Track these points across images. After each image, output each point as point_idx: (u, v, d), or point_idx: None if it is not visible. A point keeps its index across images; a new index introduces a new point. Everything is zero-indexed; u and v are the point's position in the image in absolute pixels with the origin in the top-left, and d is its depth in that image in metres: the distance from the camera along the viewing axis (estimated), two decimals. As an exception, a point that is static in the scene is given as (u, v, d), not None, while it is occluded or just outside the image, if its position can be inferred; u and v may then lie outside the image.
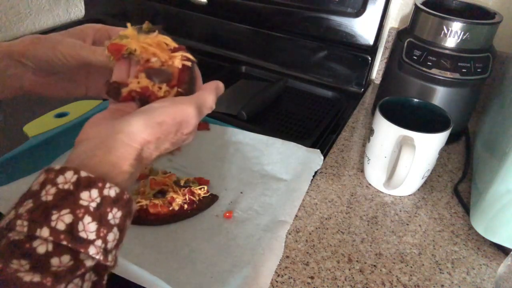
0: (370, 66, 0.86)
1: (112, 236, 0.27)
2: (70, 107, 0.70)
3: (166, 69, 0.36)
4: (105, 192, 0.27)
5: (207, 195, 0.54)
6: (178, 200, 0.52)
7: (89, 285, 0.26)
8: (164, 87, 0.36)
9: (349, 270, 0.48)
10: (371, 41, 0.83)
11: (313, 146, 0.67)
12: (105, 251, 0.27)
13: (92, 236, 0.26)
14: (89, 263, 0.26)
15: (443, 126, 0.55)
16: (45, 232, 0.24)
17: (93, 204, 0.26)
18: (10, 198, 0.52)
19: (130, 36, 0.37)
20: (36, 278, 0.23)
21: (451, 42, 0.64)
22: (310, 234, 0.52)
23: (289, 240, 0.51)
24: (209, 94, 0.36)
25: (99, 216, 0.26)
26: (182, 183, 0.55)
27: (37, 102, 0.75)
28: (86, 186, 0.26)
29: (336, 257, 0.49)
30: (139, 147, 0.30)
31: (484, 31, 0.63)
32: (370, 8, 0.80)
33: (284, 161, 0.63)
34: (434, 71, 0.65)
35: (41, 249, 0.24)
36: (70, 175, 0.26)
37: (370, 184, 0.62)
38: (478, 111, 0.80)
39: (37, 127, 0.64)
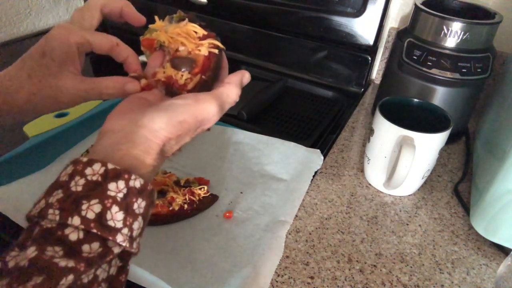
0: (370, 66, 0.86)
1: (137, 225, 0.29)
2: (70, 107, 0.70)
3: (190, 57, 0.37)
4: (131, 183, 0.28)
5: (207, 195, 0.54)
6: (178, 200, 0.52)
7: (114, 270, 0.28)
8: (186, 74, 0.36)
9: (349, 270, 0.48)
10: (371, 41, 0.83)
11: (313, 146, 0.67)
12: (131, 239, 0.28)
13: (119, 225, 0.27)
14: (116, 250, 0.27)
15: (443, 126, 0.55)
16: (76, 220, 0.26)
17: (120, 195, 0.27)
18: (10, 198, 0.52)
19: (158, 28, 0.38)
20: (71, 263, 0.24)
21: (451, 42, 0.64)
22: (310, 234, 0.52)
23: (289, 240, 0.51)
24: (233, 88, 0.36)
25: (126, 206, 0.28)
26: (182, 183, 0.55)
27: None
28: (113, 177, 0.27)
29: (336, 257, 0.49)
30: (161, 143, 0.31)
31: (484, 31, 0.63)
32: (370, 8, 0.80)
33: (284, 161, 0.63)
34: (434, 71, 0.65)
35: (73, 236, 0.26)
36: (98, 167, 0.28)
37: (370, 184, 0.62)
38: (478, 111, 0.80)
39: (37, 127, 0.64)
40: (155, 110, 0.32)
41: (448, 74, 0.65)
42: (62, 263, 0.24)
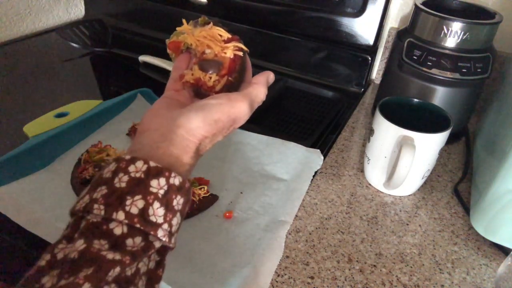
0: (370, 66, 0.86)
1: (175, 221, 0.30)
2: (70, 107, 0.70)
3: (217, 60, 0.38)
4: (171, 180, 0.29)
5: (207, 195, 0.54)
6: (178, 200, 0.52)
7: (153, 265, 0.29)
8: (214, 76, 0.37)
9: (349, 270, 0.48)
10: (371, 41, 0.83)
11: (313, 146, 0.67)
12: (170, 234, 0.29)
13: (160, 220, 0.28)
14: (157, 244, 0.29)
15: (443, 126, 0.55)
16: (120, 215, 0.27)
17: (161, 191, 0.29)
18: (10, 198, 0.52)
19: (186, 31, 0.39)
20: (117, 256, 0.26)
21: (451, 42, 0.64)
22: (310, 234, 0.52)
23: (289, 240, 0.51)
24: (261, 87, 0.38)
25: (166, 202, 0.29)
26: (182, 183, 0.55)
27: (37, 102, 0.75)
28: (155, 175, 0.29)
29: (336, 257, 0.49)
30: (198, 142, 0.32)
31: (484, 31, 0.63)
32: (370, 8, 0.80)
33: (284, 161, 0.63)
34: (434, 71, 0.65)
35: (118, 230, 0.27)
36: (140, 165, 0.29)
37: (370, 184, 0.62)
38: (478, 111, 0.80)
39: (37, 127, 0.64)
40: (191, 109, 0.33)
41: (448, 74, 0.65)
42: (110, 255, 0.26)
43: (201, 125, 0.32)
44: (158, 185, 0.29)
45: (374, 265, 0.49)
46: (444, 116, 0.57)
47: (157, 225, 0.28)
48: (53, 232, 0.47)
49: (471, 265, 0.50)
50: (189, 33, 0.39)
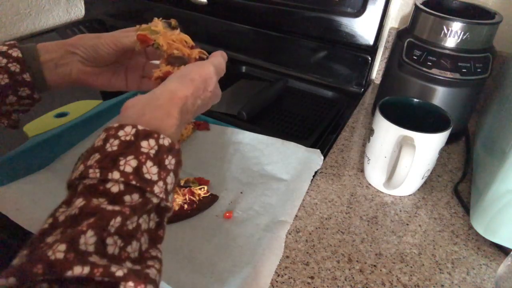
0: (370, 66, 0.86)
1: (170, 179, 0.31)
2: (70, 107, 0.70)
3: (183, 56, 0.43)
4: (160, 141, 0.31)
5: (207, 195, 0.54)
6: (178, 200, 0.52)
7: (153, 225, 0.31)
8: (182, 67, 0.41)
9: (349, 270, 0.48)
10: (371, 41, 0.83)
11: (313, 146, 0.67)
12: (166, 191, 0.31)
13: (155, 178, 0.30)
14: (155, 200, 0.30)
15: (443, 126, 0.55)
16: (116, 174, 0.28)
17: (152, 151, 0.30)
18: (10, 198, 0.52)
19: (160, 32, 0.43)
20: (117, 207, 0.27)
21: (451, 42, 0.64)
22: (310, 234, 0.52)
23: (289, 240, 0.51)
24: (218, 57, 0.43)
25: (158, 161, 0.31)
26: (182, 183, 0.55)
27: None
28: (144, 136, 0.30)
29: (336, 257, 0.49)
30: (180, 102, 0.35)
31: (484, 31, 0.63)
32: (370, 8, 0.80)
33: (284, 161, 0.63)
34: (434, 71, 0.65)
35: (114, 188, 0.28)
36: (129, 129, 0.31)
37: (370, 184, 0.62)
38: (478, 111, 0.80)
39: (37, 127, 0.64)
40: (167, 79, 0.37)
41: (448, 74, 0.65)
42: (109, 207, 0.27)
43: (180, 86, 0.36)
44: (148, 146, 0.30)
45: (374, 265, 0.49)
46: (444, 116, 0.57)
47: (152, 182, 0.30)
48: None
49: (471, 265, 0.50)
50: (163, 35, 0.43)
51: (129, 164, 0.29)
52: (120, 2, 1.10)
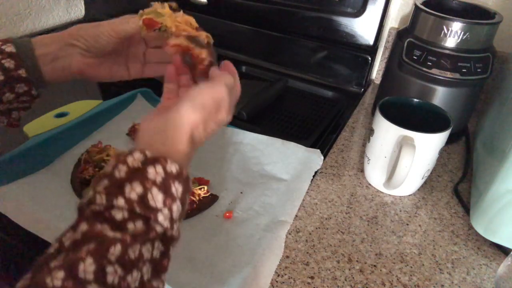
0: (370, 66, 0.86)
1: (176, 207, 0.31)
2: (70, 107, 0.70)
3: (200, 38, 0.42)
4: (168, 168, 0.31)
5: (207, 195, 0.54)
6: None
7: (158, 254, 0.30)
8: (205, 52, 0.41)
9: (349, 270, 0.48)
10: (371, 41, 0.83)
11: (313, 146, 0.67)
12: (171, 220, 0.31)
13: (160, 205, 0.30)
14: (159, 228, 0.30)
15: (443, 126, 0.55)
16: (120, 201, 0.29)
17: (159, 178, 0.30)
18: (10, 198, 0.52)
19: (166, 14, 0.42)
20: (118, 235, 0.27)
21: (451, 42, 0.64)
22: (310, 234, 0.52)
23: (289, 240, 0.51)
24: (227, 75, 0.40)
25: (165, 188, 0.30)
26: (182, 183, 0.55)
27: (37, 102, 0.75)
28: (151, 162, 0.31)
29: (336, 257, 0.49)
30: (190, 128, 0.34)
31: (484, 31, 0.63)
32: (370, 8, 0.80)
33: (284, 161, 0.63)
34: (434, 71, 0.65)
35: (119, 215, 0.29)
36: (137, 155, 0.31)
37: (370, 184, 0.62)
38: (478, 111, 0.80)
39: (37, 127, 0.64)
40: (178, 103, 0.35)
41: (448, 74, 0.65)
42: (110, 233, 0.27)
43: (190, 111, 0.34)
44: (155, 172, 0.30)
45: (374, 265, 0.49)
46: (444, 116, 0.57)
47: (156, 210, 0.30)
48: (53, 232, 0.47)
49: (471, 265, 0.50)
50: (170, 16, 0.42)
51: (134, 190, 0.29)
52: (120, 2, 1.10)
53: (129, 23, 0.44)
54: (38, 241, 0.47)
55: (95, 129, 0.67)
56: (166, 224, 0.30)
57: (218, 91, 0.37)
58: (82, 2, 1.16)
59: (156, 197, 0.30)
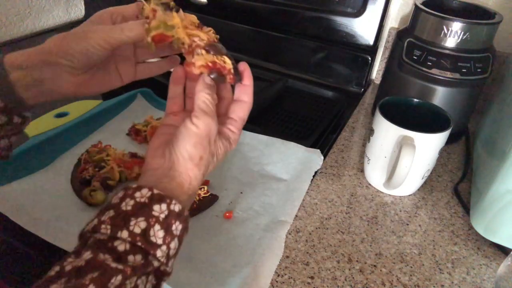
0: (370, 66, 0.86)
1: (173, 245, 0.33)
2: (70, 107, 0.70)
3: (216, 43, 0.38)
4: (172, 207, 0.33)
5: (207, 195, 0.54)
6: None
7: (150, 287, 0.31)
8: (227, 59, 0.38)
9: (349, 270, 0.48)
10: (371, 41, 0.83)
11: (313, 146, 0.67)
12: (168, 256, 0.32)
13: (160, 241, 0.31)
14: (155, 263, 0.31)
15: (443, 126, 0.55)
16: (125, 234, 0.30)
17: (162, 215, 0.32)
18: (10, 198, 0.52)
19: (176, 25, 0.37)
20: (120, 266, 0.28)
21: (451, 42, 0.64)
22: (310, 234, 0.52)
23: (289, 240, 0.51)
24: (249, 88, 0.43)
25: (166, 225, 0.32)
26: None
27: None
28: (157, 200, 0.32)
29: (336, 257, 0.49)
30: (188, 177, 0.36)
31: (484, 31, 0.63)
32: (370, 8, 0.80)
33: (284, 161, 0.63)
34: (434, 71, 0.65)
35: (121, 247, 0.30)
36: (145, 191, 0.32)
37: (370, 184, 0.62)
38: (478, 111, 0.80)
39: (37, 127, 0.64)
40: (179, 154, 0.36)
41: (448, 74, 0.65)
42: (113, 264, 0.28)
43: (187, 159, 0.36)
44: (160, 210, 0.32)
45: (374, 265, 0.49)
46: (444, 116, 0.57)
47: (156, 246, 0.31)
48: (53, 232, 0.47)
49: (471, 265, 0.50)
50: (181, 26, 0.37)
51: (138, 225, 0.30)
52: (120, 2, 1.10)
53: (125, 32, 0.37)
54: (38, 241, 0.46)
55: (95, 129, 0.67)
56: (163, 260, 0.31)
57: (206, 127, 0.36)
58: (82, 2, 1.16)
59: (158, 234, 0.31)
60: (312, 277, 0.46)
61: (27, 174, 0.56)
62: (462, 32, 0.63)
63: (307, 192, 0.58)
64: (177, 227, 0.33)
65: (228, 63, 0.39)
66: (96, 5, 1.15)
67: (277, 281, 0.45)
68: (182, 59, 0.41)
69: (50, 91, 0.39)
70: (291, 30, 0.91)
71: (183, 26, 0.37)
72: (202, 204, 0.54)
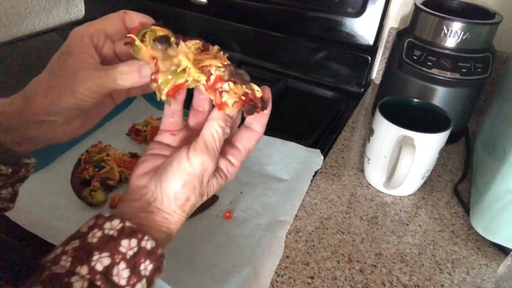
0: (370, 66, 0.86)
1: (140, 286, 0.29)
2: (70, 107, 0.70)
3: (240, 70, 0.33)
4: (143, 243, 0.29)
5: (208, 195, 0.54)
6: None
7: None
8: (255, 86, 0.34)
9: (349, 270, 0.48)
10: (371, 41, 0.83)
11: (313, 146, 0.67)
12: None
13: (123, 282, 0.28)
14: None
15: (443, 126, 0.55)
16: (84, 270, 0.27)
17: (130, 252, 0.28)
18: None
19: (187, 66, 0.31)
20: None
21: (451, 42, 0.64)
22: (310, 234, 0.52)
23: (289, 240, 0.51)
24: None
25: (133, 264, 0.28)
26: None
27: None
28: (128, 234, 0.29)
29: (336, 257, 0.49)
30: (169, 217, 0.33)
31: (484, 31, 0.63)
32: (370, 8, 0.80)
33: (284, 161, 0.63)
34: (434, 71, 0.65)
35: (77, 285, 0.26)
36: (116, 223, 0.29)
37: (370, 184, 0.62)
38: (478, 111, 0.80)
39: (37, 127, 0.64)
40: (164, 192, 0.32)
41: (448, 74, 0.65)
42: None
43: (172, 200, 0.32)
44: (128, 246, 0.28)
45: (374, 265, 0.49)
46: (444, 116, 0.57)
47: (118, 287, 0.28)
48: (52, 232, 0.47)
49: (471, 265, 0.50)
50: (192, 65, 0.31)
51: (101, 261, 0.27)
52: (120, 2, 1.10)
53: (118, 82, 0.32)
54: (38, 241, 0.47)
55: (95, 129, 0.67)
56: None
57: (194, 166, 0.32)
58: (82, 2, 1.16)
59: (122, 273, 0.28)
60: (312, 277, 0.46)
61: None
62: (462, 32, 0.63)
63: (307, 192, 0.58)
64: (146, 266, 0.29)
65: (258, 90, 0.34)
66: (96, 5, 1.15)
67: (277, 281, 0.45)
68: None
69: (46, 141, 0.37)
70: (291, 30, 0.91)
71: (192, 62, 0.31)
72: (202, 204, 0.53)
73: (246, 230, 0.51)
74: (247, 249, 0.49)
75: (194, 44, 0.32)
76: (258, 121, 0.37)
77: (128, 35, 0.33)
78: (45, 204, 0.52)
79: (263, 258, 0.47)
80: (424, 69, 0.66)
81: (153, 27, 0.33)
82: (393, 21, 0.89)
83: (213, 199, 0.55)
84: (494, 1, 0.77)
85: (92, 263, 0.27)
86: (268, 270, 0.46)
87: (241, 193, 0.57)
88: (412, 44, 0.67)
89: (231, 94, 0.32)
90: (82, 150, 0.61)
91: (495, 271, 0.49)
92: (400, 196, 0.60)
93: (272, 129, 0.73)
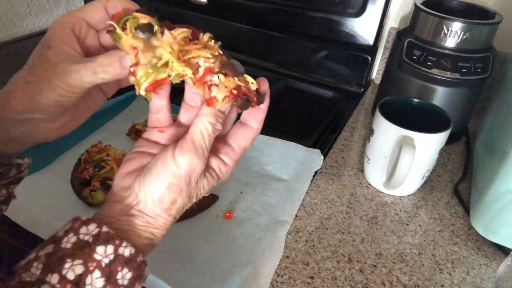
0: (370, 66, 0.86)
1: None
2: (70, 107, 0.70)
3: (233, 60, 0.30)
4: (120, 250, 0.27)
5: (207, 195, 0.54)
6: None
7: None
8: (248, 77, 0.31)
9: (349, 270, 0.48)
10: (371, 41, 0.83)
11: (313, 146, 0.67)
12: None
13: None
14: None
15: (443, 126, 0.55)
16: (54, 278, 0.25)
17: (106, 260, 0.26)
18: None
19: (169, 59, 0.28)
20: None
21: (451, 42, 0.64)
22: (310, 234, 0.52)
23: (289, 240, 0.51)
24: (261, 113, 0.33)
25: (109, 273, 0.26)
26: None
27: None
28: (104, 240, 0.27)
29: (336, 257, 0.49)
30: (153, 221, 0.30)
31: (484, 31, 0.63)
32: (370, 8, 0.80)
33: (284, 161, 0.63)
34: (434, 71, 0.65)
35: None
36: (92, 228, 0.27)
37: (370, 184, 0.62)
38: (478, 111, 0.80)
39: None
40: (147, 196, 0.30)
41: (448, 74, 0.65)
42: None
43: (157, 203, 0.30)
44: (104, 253, 0.26)
45: (374, 265, 0.49)
46: (444, 116, 0.57)
47: None
48: (52, 232, 0.47)
49: (471, 265, 0.50)
50: (176, 58, 0.28)
51: (73, 269, 0.25)
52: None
53: (99, 74, 0.30)
54: (38, 241, 0.46)
55: (95, 129, 0.67)
56: None
57: (184, 168, 0.30)
58: (82, 2, 1.16)
59: (95, 282, 0.26)
60: (312, 277, 0.46)
61: (27, 174, 0.56)
62: (462, 32, 0.63)
63: (307, 192, 0.58)
64: (124, 275, 0.27)
65: (253, 83, 0.31)
66: (96, 5, 1.15)
67: (277, 281, 0.45)
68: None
69: (33, 140, 0.34)
70: (291, 30, 0.91)
71: (177, 54, 0.28)
72: (202, 204, 0.54)
73: (246, 230, 0.51)
74: (247, 249, 0.49)
75: (181, 32, 0.29)
76: (254, 116, 0.34)
77: (109, 22, 0.30)
78: (45, 204, 0.52)
79: (263, 258, 0.47)
80: (424, 69, 0.66)
81: (135, 13, 0.30)
82: (393, 21, 0.89)
83: (213, 199, 0.55)
84: (494, 1, 0.77)
85: (64, 271, 0.25)
86: (268, 270, 0.46)
87: (241, 193, 0.57)
88: (412, 44, 0.67)
89: (221, 88, 0.29)
90: (82, 150, 0.61)
91: (495, 271, 0.49)
92: (400, 196, 0.60)
93: (272, 129, 0.74)
